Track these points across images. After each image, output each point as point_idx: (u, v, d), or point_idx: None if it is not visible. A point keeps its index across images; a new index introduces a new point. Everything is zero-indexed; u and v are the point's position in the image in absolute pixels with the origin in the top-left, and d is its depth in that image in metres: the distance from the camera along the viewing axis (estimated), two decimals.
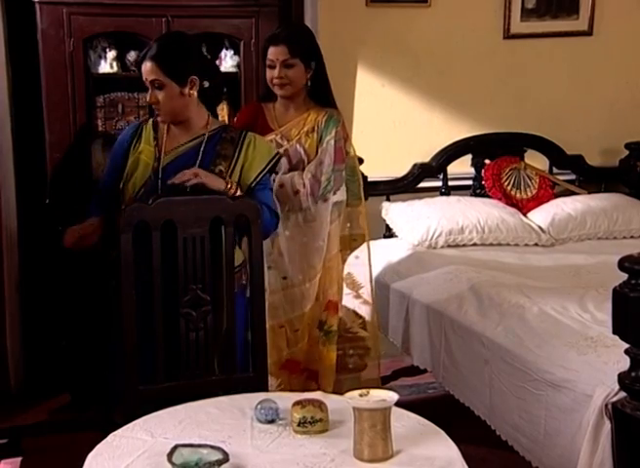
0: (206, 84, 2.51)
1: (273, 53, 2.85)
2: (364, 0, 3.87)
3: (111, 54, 3.49)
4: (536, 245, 3.58)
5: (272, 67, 2.85)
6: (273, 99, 2.96)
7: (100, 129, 3.53)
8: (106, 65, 3.50)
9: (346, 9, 3.87)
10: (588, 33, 4.03)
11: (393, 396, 1.65)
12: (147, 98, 2.53)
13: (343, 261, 3.05)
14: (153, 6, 3.45)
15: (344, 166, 2.95)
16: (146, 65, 2.44)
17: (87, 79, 3.43)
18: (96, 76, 3.49)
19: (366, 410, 1.62)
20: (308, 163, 2.87)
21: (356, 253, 3.10)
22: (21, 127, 3.61)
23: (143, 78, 2.46)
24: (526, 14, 3.99)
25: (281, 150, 2.81)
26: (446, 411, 2.56)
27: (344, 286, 3.06)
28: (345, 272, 3.07)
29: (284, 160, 2.83)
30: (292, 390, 2.75)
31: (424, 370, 3.24)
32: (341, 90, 3.91)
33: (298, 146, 2.87)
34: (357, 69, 3.93)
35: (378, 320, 3.15)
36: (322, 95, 2.95)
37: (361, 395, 1.67)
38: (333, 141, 2.88)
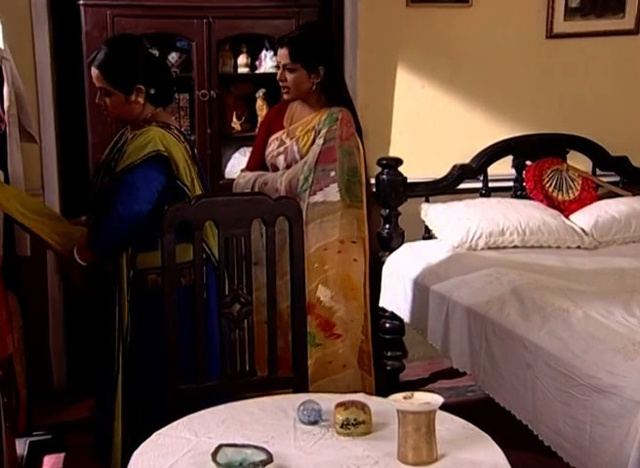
0: (152, 91, 2.55)
1: (278, 55, 2.90)
2: (404, 0, 3.85)
3: None
4: (578, 247, 3.52)
5: (278, 68, 2.88)
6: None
7: None
8: None
9: (387, 9, 3.85)
10: (635, 32, 3.96)
11: (438, 399, 1.64)
12: (97, 101, 2.59)
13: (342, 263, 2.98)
14: (195, 7, 3.49)
15: (335, 166, 2.88)
16: (94, 72, 2.52)
17: None
18: None
19: (410, 413, 1.61)
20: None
21: (355, 255, 3.02)
22: (65, 128, 3.66)
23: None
24: (569, 13, 3.93)
25: (281, 148, 2.85)
26: (486, 415, 2.52)
27: (341, 287, 2.98)
28: (344, 274, 3.00)
29: (281, 158, 2.86)
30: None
31: (463, 373, 3.21)
32: (381, 91, 3.93)
33: (293, 145, 2.90)
34: (397, 70, 3.91)
35: (367, 324, 3.06)
36: (335, 95, 2.95)
37: (405, 397, 1.66)
38: (322, 141, 2.86)
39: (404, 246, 3.68)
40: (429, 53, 3.92)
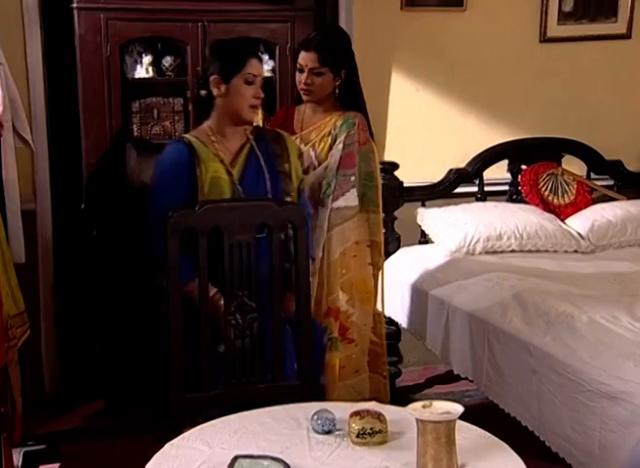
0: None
1: (304, 58, 2.85)
2: (399, 4, 3.84)
3: (147, 59, 3.48)
4: (575, 251, 3.52)
5: (301, 72, 2.85)
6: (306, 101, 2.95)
7: (135, 134, 3.52)
8: (142, 70, 3.49)
9: (381, 13, 3.84)
10: (627, 36, 3.98)
11: (458, 408, 1.61)
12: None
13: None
14: (189, 11, 3.45)
15: (355, 171, 2.87)
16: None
17: (123, 84, 3.43)
18: (131, 81, 3.48)
19: (430, 423, 1.58)
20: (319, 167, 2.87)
21: (369, 259, 2.99)
22: (58, 132, 3.61)
23: (256, 72, 2.47)
24: (563, 17, 3.94)
25: None
26: (486, 420, 2.51)
27: (357, 291, 2.94)
28: (360, 278, 2.96)
29: None
30: None
31: (459, 378, 3.20)
32: (376, 94, 3.90)
33: (310, 151, 2.87)
34: (392, 74, 3.90)
35: (382, 327, 3.06)
36: (351, 99, 2.93)
37: (424, 406, 1.63)
38: (341, 146, 2.86)
39: (400, 250, 3.66)
40: (424, 56, 3.91)
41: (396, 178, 3.68)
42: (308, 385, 2.38)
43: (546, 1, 3.91)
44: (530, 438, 2.52)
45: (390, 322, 3.60)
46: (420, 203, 3.80)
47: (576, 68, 4.00)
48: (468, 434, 1.76)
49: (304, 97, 2.88)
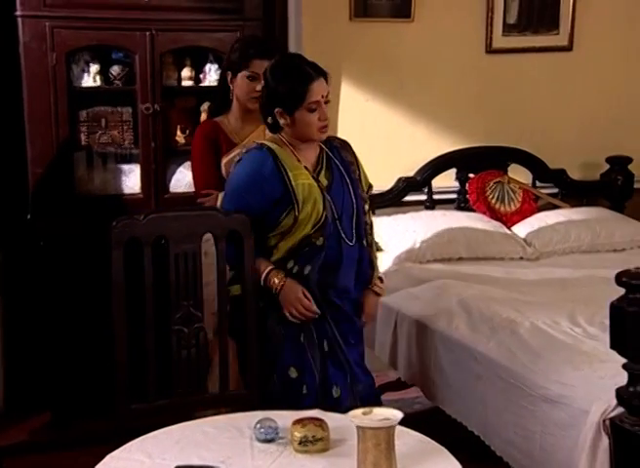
0: None
1: (260, 66, 2.83)
2: (348, 14, 3.88)
3: (94, 67, 3.45)
4: (521, 258, 3.59)
5: (255, 80, 2.85)
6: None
7: (83, 143, 3.49)
8: (89, 79, 3.45)
9: (330, 23, 3.87)
10: (568, 48, 4.08)
11: (397, 414, 1.64)
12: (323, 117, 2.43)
13: None
14: (137, 20, 3.42)
15: None
16: (323, 84, 2.39)
17: (70, 93, 3.39)
18: (79, 90, 3.44)
19: (370, 429, 1.60)
20: None
21: None
22: (2, 141, 3.55)
23: (318, 97, 2.35)
24: (507, 29, 4.03)
25: None
26: (435, 427, 2.54)
27: None
28: None
29: None
30: None
31: (409, 385, 3.23)
32: None
33: None
34: (341, 84, 3.93)
35: None
36: None
37: (364, 413, 1.65)
38: None
39: None
40: (373, 67, 3.95)
41: None
42: (255, 394, 2.38)
43: (491, 13, 3.99)
44: (478, 442, 2.56)
45: None
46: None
47: (520, 79, 4.09)
48: (409, 439, 1.78)
49: (254, 106, 2.85)
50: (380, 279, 2.59)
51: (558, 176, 4.04)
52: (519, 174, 4.01)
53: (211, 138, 2.89)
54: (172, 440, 1.80)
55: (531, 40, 4.05)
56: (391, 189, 3.89)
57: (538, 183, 4.05)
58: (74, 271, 3.39)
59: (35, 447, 3.30)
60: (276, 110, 2.38)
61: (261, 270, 2.38)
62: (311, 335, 2.42)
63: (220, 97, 2.96)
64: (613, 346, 1.95)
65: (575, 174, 4.11)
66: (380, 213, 3.81)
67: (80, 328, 3.40)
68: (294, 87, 2.35)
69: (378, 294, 2.58)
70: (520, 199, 3.90)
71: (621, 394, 1.94)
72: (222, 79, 2.95)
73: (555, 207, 3.99)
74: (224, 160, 2.87)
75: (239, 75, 2.84)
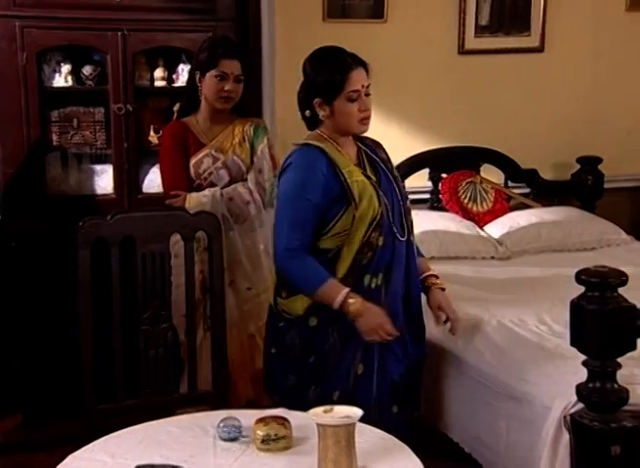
0: None
1: (228, 65, 2.86)
2: (321, 15, 3.89)
3: (66, 67, 3.44)
4: (492, 258, 3.61)
5: (224, 80, 2.85)
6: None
7: (55, 143, 3.48)
8: (61, 79, 3.45)
9: (303, 23, 3.88)
10: (540, 50, 4.11)
11: (357, 412, 1.65)
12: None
13: None
14: (108, 20, 3.42)
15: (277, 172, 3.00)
16: (362, 73, 2.35)
17: (41, 93, 3.38)
18: (50, 90, 3.43)
19: (330, 427, 1.62)
20: (247, 173, 2.92)
21: None
22: None
23: (358, 86, 2.31)
24: (480, 30, 4.06)
25: (218, 163, 2.85)
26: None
27: None
28: None
29: (224, 172, 2.87)
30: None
31: None
32: None
33: (235, 158, 2.90)
34: None
35: None
36: (244, 106, 2.98)
37: (325, 411, 1.67)
38: (267, 149, 2.94)
39: None
40: None
41: None
42: (223, 393, 2.40)
43: (463, 14, 4.01)
44: (446, 439, 2.58)
45: None
46: None
47: (493, 80, 4.12)
48: (370, 437, 1.80)
49: (224, 106, 2.89)
50: (436, 276, 2.50)
51: (530, 176, 4.07)
52: (491, 174, 4.04)
53: (179, 139, 2.89)
54: (135, 439, 1.81)
55: (503, 41, 4.08)
56: None
57: (510, 183, 4.08)
58: (46, 272, 3.38)
59: (7, 448, 3.28)
60: (315, 101, 2.32)
61: (336, 292, 2.22)
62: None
63: (188, 97, 2.97)
64: (573, 343, 1.97)
65: (546, 174, 4.15)
66: None
67: (51, 328, 3.38)
68: (333, 75, 2.29)
69: (443, 289, 2.48)
70: (492, 199, 3.93)
71: (581, 390, 1.96)
72: (191, 79, 2.95)
73: (527, 206, 4.02)
74: (193, 160, 2.88)
75: (207, 75, 2.85)
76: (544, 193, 4.10)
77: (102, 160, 3.59)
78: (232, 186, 2.87)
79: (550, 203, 4.06)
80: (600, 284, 1.90)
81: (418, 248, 2.52)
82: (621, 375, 1.96)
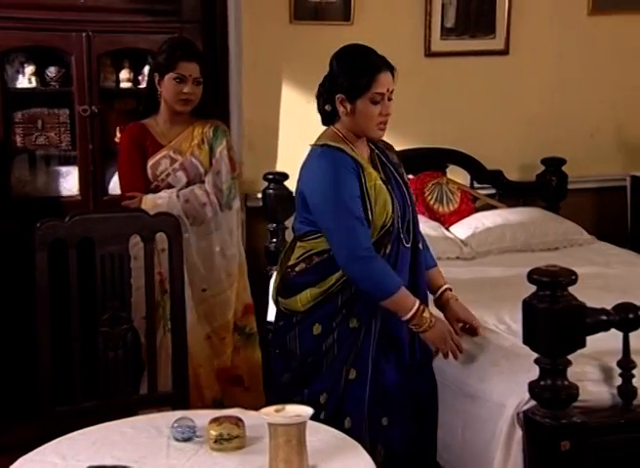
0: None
1: (187, 68, 2.86)
2: (288, 17, 3.91)
3: (30, 68, 3.43)
4: (457, 258, 3.65)
5: (182, 82, 2.86)
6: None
7: (19, 145, 3.47)
8: (25, 80, 3.44)
9: (270, 25, 3.90)
10: (505, 52, 4.16)
11: (308, 410, 1.66)
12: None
13: None
14: (72, 21, 3.42)
15: (237, 174, 3.03)
16: (389, 76, 2.32)
17: (4, 94, 3.37)
18: (13, 91, 3.43)
19: (281, 426, 1.63)
20: (205, 175, 2.93)
21: None
22: None
23: (383, 89, 2.29)
24: (445, 32, 4.09)
25: (176, 165, 2.86)
26: None
27: None
28: None
29: (181, 174, 2.88)
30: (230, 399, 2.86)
31: None
32: (266, 106, 3.96)
33: (193, 159, 2.91)
34: (282, 86, 3.96)
35: None
36: (204, 108, 2.99)
37: (277, 410, 1.68)
38: (225, 151, 2.95)
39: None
40: (313, 69, 3.89)
41: (286, 188, 3.74)
42: (184, 394, 2.40)
43: (429, 17, 4.05)
44: None
45: None
46: None
47: (459, 82, 4.15)
48: (324, 436, 1.81)
49: (183, 108, 2.89)
50: (450, 288, 2.46)
51: (495, 177, 4.12)
52: (457, 175, 4.08)
53: (137, 140, 2.89)
54: (88, 441, 1.81)
55: (468, 44, 4.12)
56: None
57: (475, 184, 4.12)
58: (7, 274, 3.35)
59: None
60: (338, 97, 2.28)
61: (408, 303, 2.19)
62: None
63: (147, 99, 2.97)
64: (525, 341, 2.00)
65: (512, 175, 4.19)
66: None
67: (8, 330, 3.36)
68: (361, 74, 2.26)
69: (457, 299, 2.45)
70: (458, 200, 3.97)
71: (533, 387, 1.99)
72: (150, 81, 2.95)
73: (493, 207, 4.06)
74: (150, 162, 2.88)
75: (166, 77, 2.85)
76: (510, 194, 4.15)
77: (68, 161, 3.59)
78: (189, 188, 2.88)
79: (516, 203, 4.10)
80: (551, 283, 1.93)
81: (432, 256, 2.51)
82: (572, 372, 1.99)
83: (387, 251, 2.25)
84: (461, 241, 3.72)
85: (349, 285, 2.22)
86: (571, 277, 1.94)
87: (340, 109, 2.30)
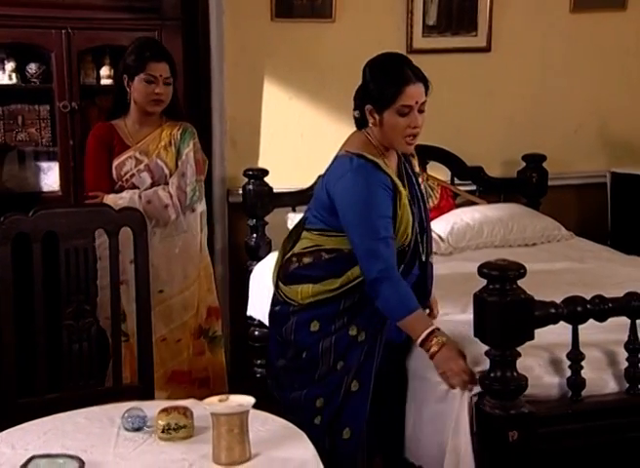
0: None
1: (157, 68, 2.89)
2: (269, 14, 3.93)
3: (10, 65, 3.47)
4: (435, 253, 3.65)
5: (153, 83, 2.89)
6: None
7: None
8: (5, 77, 3.47)
9: (252, 22, 3.93)
10: (487, 49, 4.17)
11: (250, 400, 1.70)
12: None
13: None
14: (52, 18, 3.44)
15: (203, 177, 3.04)
16: (420, 89, 2.30)
17: None
18: None
19: (223, 415, 1.66)
20: (170, 176, 2.95)
21: None
22: None
23: (412, 102, 2.27)
24: (427, 30, 4.11)
25: (141, 166, 2.88)
26: None
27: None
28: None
29: (146, 175, 2.90)
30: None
31: None
32: (248, 103, 3.99)
33: (158, 161, 2.93)
34: (264, 82, 3.99)
35: None
36: (175, 109, 3.02)
37: (221, 400, 1.71)
38: (192, 153, 2.97)
39: (271, 254, 3.73)
40: (295, 66, 4.01)
41: (266, 184, 3.78)
42: (149, 387, 2.43)
43: (411, 14, 4.06)
44: None
45: (261, 325, 3.68)
46: (290, 208, 3.89)
47: (440, 79, 4.03)
48: (272, 426, 1.84)
49: (154, 109, 2.93)
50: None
51: (476, 174, 4.13)
52: (438, 171, 4.10)
53: (104, 140, 2.93)
54: (40, 431, 1.84)
55: (450, 41, 4.13)
56: (311, 186, 3.93)
57: (456, 180, 4.14)
58: None
59: None
60: (367, 107, 2.29)
61: (421, 327, 2.18)
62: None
63: (116, 99, 2.98)
64: (476, 334, 2.03)
65: (494, 171, 4.20)
66: (300, 210, 3.87)
67: None
68: (387, 86, 2.24)
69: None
70: (438, 196, 3.98)
71: (483, 379, 2.02)
72: (119, 83, 2.97)
73: (473, 203, 4.07)
74: (116, 162, 2.91)
75: (136, 79, 2.88)
76: (490, 190, 4.16)
77: (48, 157, 3.62)
78: (152, 189, 2.90)
79: (497, 200, 4.12)
80: (500, 277, 1.95)
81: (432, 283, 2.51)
82: (522, 364, 2.01)
83: (402, 268, 2.26)
84: (440, 237, 3.74)
85: (354, 292, 2.23)
86: (519, 270, 1.96)
87: (370, 120, 2.30)
